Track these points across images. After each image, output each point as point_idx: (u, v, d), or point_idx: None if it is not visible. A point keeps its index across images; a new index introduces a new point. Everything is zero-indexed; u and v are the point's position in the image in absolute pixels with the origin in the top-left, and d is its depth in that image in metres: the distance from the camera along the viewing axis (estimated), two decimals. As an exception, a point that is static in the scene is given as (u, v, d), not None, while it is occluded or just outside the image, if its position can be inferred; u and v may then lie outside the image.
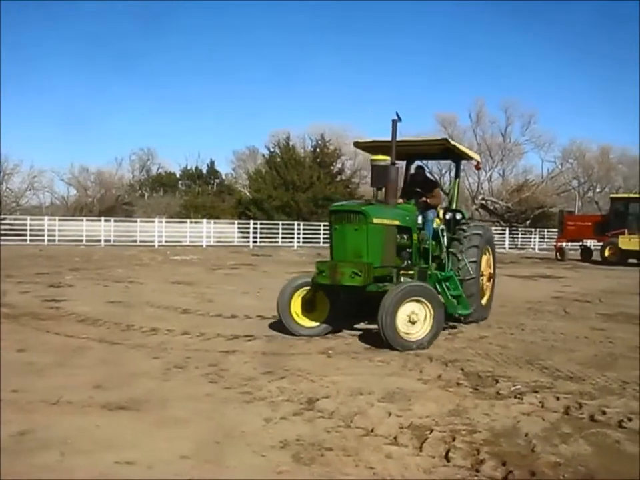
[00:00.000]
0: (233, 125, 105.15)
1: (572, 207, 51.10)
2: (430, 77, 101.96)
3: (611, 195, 36.61)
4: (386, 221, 8.15)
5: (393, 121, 8.78)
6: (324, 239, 37.80)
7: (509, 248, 43.12)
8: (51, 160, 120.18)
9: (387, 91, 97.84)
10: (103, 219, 36.34)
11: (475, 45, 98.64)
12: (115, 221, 36.95)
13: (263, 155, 50.15)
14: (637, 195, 32.98)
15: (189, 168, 70.83)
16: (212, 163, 69.99)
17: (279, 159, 44.48)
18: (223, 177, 70.15)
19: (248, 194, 47.58)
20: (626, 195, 33.26)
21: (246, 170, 60.10)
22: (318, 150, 46.79)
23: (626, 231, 27.43)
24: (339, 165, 48.62)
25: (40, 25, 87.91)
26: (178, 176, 71.52)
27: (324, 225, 38.14)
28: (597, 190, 64.43)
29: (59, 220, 35.40)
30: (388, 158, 8.60)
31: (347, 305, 8.35)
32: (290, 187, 42.48)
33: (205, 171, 70.13)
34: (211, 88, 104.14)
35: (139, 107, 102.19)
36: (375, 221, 7.89)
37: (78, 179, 61.44)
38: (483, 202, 48.69)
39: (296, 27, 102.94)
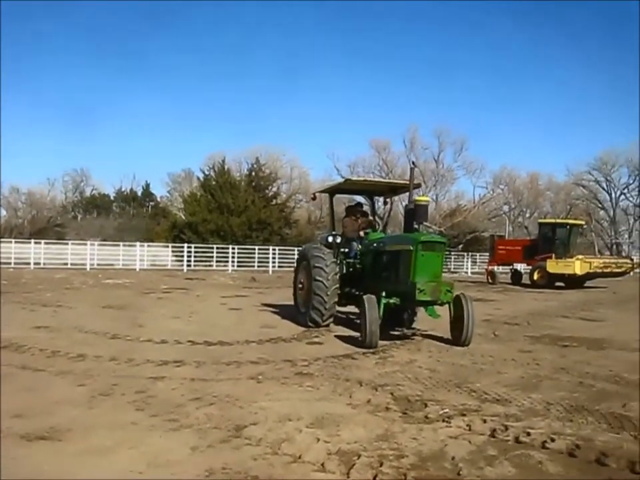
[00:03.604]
0: (168, 146, 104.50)
1: (503, 231, 52.25)
2: (365, 102, 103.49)
3: (539, 220, 37.59)
4: None
5: (411, 168, 11.63)
6: (259, 262, 37.73)
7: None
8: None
9: (323, 116, 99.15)
10: (32, 240, 35.49)
11: (409, 71, 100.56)
12: (46, 243, 36.09)
13: (198, 178, 49.94)
14: (563, 221, 34.07)
15: (123, 190, 70.05)
16: (147, 185, 69.52)
17: (214, 182, 44.31)
18: (158, 199, 69.58)
19: (183, 217, 47.16)
20: (553, 221, 34.23)
21: (181, 193, 59.65)
22: (253, 173, 46.79)
23: (553, 255, 28.18)
24: (274, 189, 48.69)
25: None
26: (112, 198, 70.62)
27: (259, 249, 38.13)
28: (527, 215, 66.21)
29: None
30: (428, 198, 12.50)
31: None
32: (225, 210, 42.30)
33: (139, 193, 69.44)
34: (146, 108, 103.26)
35: (72, 128, 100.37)
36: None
37: (8, 199, 60.08)
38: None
39: (232, 49, 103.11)
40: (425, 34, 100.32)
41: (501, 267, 34.32)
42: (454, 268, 46.69)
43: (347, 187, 12.64)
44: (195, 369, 7.41)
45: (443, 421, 5.35)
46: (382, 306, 9.62)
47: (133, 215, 61.42)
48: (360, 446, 4.61)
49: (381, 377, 7.17)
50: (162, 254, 39.61)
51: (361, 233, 12.02)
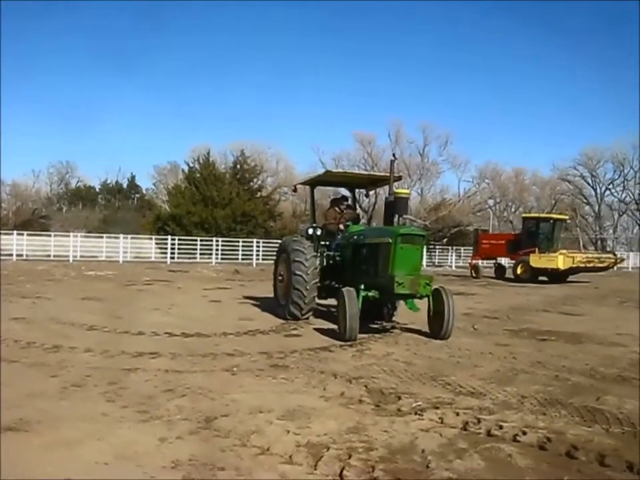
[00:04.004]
0: (154, 139, 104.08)
1: (488, 225, 52.39)
2: (349, 95, 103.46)
3: (523, 215, 37.67)
4: None
5: (392, 160, 11.22)
6: (243, 255, 37.61)
7: (427, 265, 43.81)
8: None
9: (308, 109, 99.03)
10: (15, 232, 35.25)
11: (395, 66, 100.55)
12: (28, 234, 35.84)
13: (183, 171, 49.67)
14: (546, 215, 34.19)
15: (109, 182, 69.71)
16: (132, 177, 69.30)
17: (198, 175, 44.10)
18: (144, 191, 69.32)
19: (168, 209, 46.92)
20: (537, 215, 34.30)
21: (166, 185, 59.39)
22: (238, 166, 46.61)
23: (536, 249, 28.27)
24: (259, 182, 48.55)
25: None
26: (98, 190, 70.28)
27: (243, 241, 38.02)
28: (512, 210, 66.49)
29: (-33, 234, 34.17)
30: (408, 191, 11.92)
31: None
32: (209, 202, 42.13)
33: (125, 186, 69.16)
34: (132, 101, 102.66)
35: (60, 119, 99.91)
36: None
37: (-8, 191, 59.69)
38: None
39: (217, 45, 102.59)
40: (410, 30, 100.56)
41: (485, 261, 34.40)
42: (438, 262, 46.75)
43: (327, 179, 12.62)
44: (169, 361, 7.36)
45: (416, 413, 5.33)
46: (360, 299, 9.60)
47: (118, 207, 61.17)
48: (330, 438, 4.58)
49: (356, 370, 7.15)
50: (146, 246, 39.43)
51: (341, 226, 12.00)
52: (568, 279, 28.86)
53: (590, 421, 5.28)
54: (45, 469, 3.88)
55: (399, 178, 12.39)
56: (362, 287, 9.79)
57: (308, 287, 10.96)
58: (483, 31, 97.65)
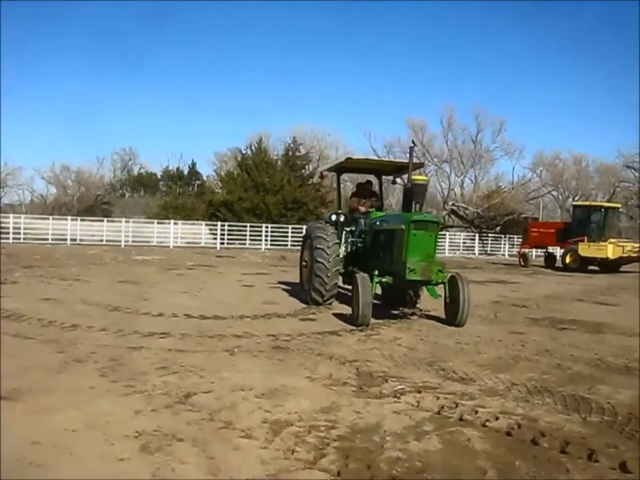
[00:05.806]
0: (215, 125, 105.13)
1: (544, 214, 51.45)
2: (402, 80, 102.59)
3: (573, 203, 37.04)
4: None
5: (410, 147, 11.66)
6: (292, 241, 37.86)
7: (479, 253, 43.39)
8: (30, 158, 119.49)
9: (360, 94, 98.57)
10: (69, 217, 36.30)
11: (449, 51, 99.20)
12: (82, 220, 36.79)
13: (236, 157, 50.10)
14: (598, 203, 33.44)
15: (170, 169, 70.79)
16: (193, 164, 70.09)
17: (250, 161, 44.46)
18: (204, 178, 70.12)
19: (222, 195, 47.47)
20: (587, 203, 33.65)
21: (225, 171, 60.05)
22: (290, 153, 46.83)
23: (585, 238, 27.76)
24: (310, 169, 48.68)
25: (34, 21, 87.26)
26: (159, 176, 71.43)
27: (292, 228, 38.26)
28: (575, 198, 64.82)
29: (25, 218, 35.29)
30: (426, 178, 12.51)
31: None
32: (260, 189, 42.49)
33: (186, 172, 70.08)
34: (196, 88, 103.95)
35: (124, 105, 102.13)
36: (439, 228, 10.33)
37: (58, 178, 61.28)
38: (454, 207, 48.98)
39: (281, 30, 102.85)
40: (463, 16, 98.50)
41: (536, 250, 33.92)
42: (491, 250, 46.08)
43: (350, 166, 12.71)
44: (176, 340, 7.61)
45: (395, 396, 5.41)
46: (374, 284, 9.71)
47: (179, 194, 61.96)
48: (297, 416, 4.72)
49: (355, 353, 7.25)
50: (198, 232, 40.04)
51: (362, 208, 12.15)
52: (621, 269, 28.21)
53: (572, 409, 5.27)
54: (14, 431, 4.14)
55: (420, 165, 12.42)
56: (376, 272, 9.89)
57: (329, 274, 11.07)
58: (536, 15, 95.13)
